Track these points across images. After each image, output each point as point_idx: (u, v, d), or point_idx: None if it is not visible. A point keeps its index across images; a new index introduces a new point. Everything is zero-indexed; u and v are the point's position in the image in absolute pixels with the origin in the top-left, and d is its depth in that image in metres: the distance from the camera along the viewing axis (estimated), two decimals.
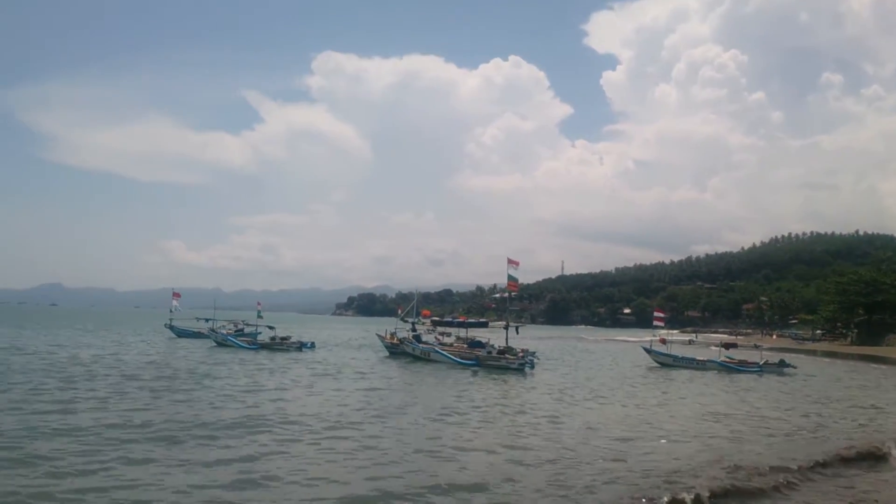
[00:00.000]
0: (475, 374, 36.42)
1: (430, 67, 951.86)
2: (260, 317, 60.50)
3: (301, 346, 50.28)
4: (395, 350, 47.07)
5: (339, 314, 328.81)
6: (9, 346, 43.85)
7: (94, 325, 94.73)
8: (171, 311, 65.88)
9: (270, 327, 57.22)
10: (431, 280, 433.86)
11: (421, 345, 45.06)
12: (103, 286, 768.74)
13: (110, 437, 15.37)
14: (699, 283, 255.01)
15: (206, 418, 18.30)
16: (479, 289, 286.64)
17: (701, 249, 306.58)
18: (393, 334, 49.04)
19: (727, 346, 52.80)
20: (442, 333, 48.78)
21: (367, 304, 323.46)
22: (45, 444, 14.46)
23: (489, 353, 41.19)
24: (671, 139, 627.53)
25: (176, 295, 66.21)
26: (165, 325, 67.53)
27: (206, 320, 61.15)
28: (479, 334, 48.25)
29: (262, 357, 42.50)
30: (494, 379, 33.72)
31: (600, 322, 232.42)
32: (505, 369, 38.10)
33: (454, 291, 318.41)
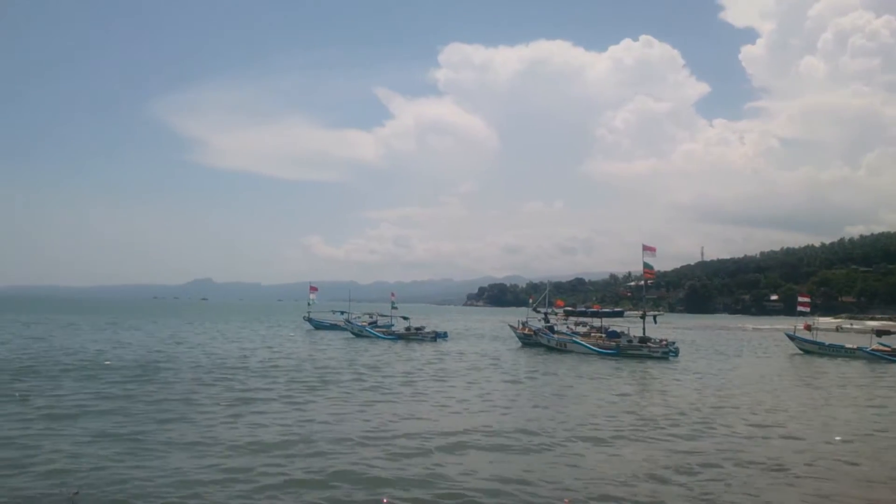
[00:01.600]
0: (618, 362, 35.21)
1: (557, 52, 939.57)
2: (394, 308, 61.22)
3: (436, 337, 50.41)
4: (528, 340, 46.12)
5: (471, 305, 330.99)
6: (201, 343, 46.62)
7: (245, 318, 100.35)
8: (308, 304, 68.10)
9: (404, 318, 57.77)
10: (563, 269, 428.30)
11: (556, 335, 43.92)
12: (249, 281, 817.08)
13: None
14: (854, 267, 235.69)
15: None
16: (613, 277, 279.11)
17: (855, 231, 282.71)
18: (525, 325, 48.11)
19: (880, 332, 47.88)
20: (576, 323, 47.40)
21: (497, 295, 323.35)
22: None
23: (629, 342, 39.54)
24: (819, 114, 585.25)
25: (313, 289, 68.28)
26: (304, 317, 70.00)
27: (342, 313, 62.72)
28: (615, 324, 46.50)
29: (403, 347, 43.00)
30: (637, 368, 32.14)
31: (744, 310, 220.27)
32: (647, 358, 36.54)
33: (586, 280, 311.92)
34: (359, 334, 53.76)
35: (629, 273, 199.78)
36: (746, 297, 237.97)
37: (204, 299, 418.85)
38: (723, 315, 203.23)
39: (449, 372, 29.76)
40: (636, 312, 49.41)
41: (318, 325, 66.44)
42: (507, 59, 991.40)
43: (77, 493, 10.13)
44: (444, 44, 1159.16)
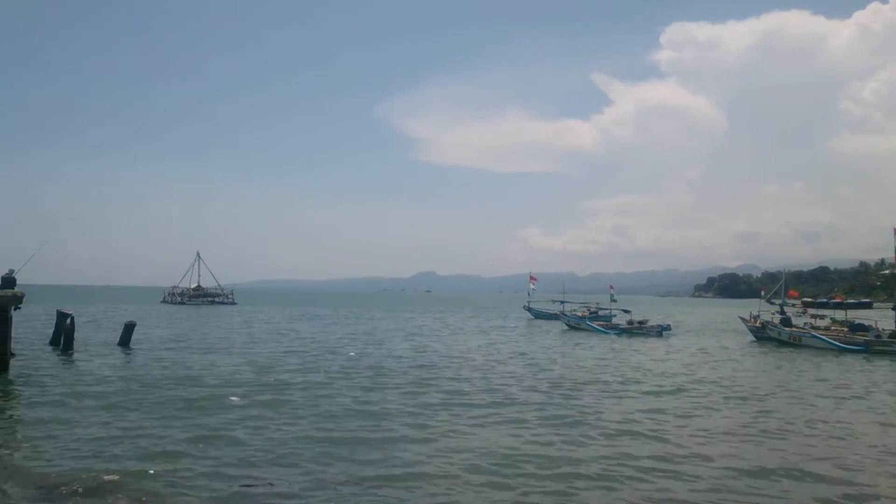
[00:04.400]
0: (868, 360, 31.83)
1: (793, 23, 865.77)
2: (614, 300, 60.32)
3: (661, 331, 48.93)
4: (761, 334, 43.39)
5: (699, 296, 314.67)
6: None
7: (473, 309, 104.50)
8: (528, 294, 69.53)
9: (625, 311, 56.66)
10: (804, 257, 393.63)
11: (788, 328, 40.86)
12: (471, 273, 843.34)
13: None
14: None
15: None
16: (864, 265, 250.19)
17: None
18: (757, 317, 45.30)
19: None
20: (814, 316, 43.74)
21: (729, 285, 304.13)
22: None
23: (877, 336, 35.64)
24: None
25: (532, 279, 69.54)
26: (524, 307, 71.69)
27: (561, 303, 63.15)
28: (861, 317, 42.20)
29: (632, 342, 42.28)
30: None
31: None
32: None
33: (831, 269, 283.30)
34: (575, 326, 53.69)
35: (882, 260, 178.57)
36: None
37: (428, 291, 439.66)
38: None
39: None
40: (888, 304, 44.50)
41: (538, 315, 67.62)
42: (736, 35, 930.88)
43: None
44: (666, 24, 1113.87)
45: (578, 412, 17.23)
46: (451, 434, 14.50)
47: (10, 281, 24.24)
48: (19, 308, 24.19)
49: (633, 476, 11.55)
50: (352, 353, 30.66)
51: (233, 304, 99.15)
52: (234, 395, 18.69)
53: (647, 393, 20.82)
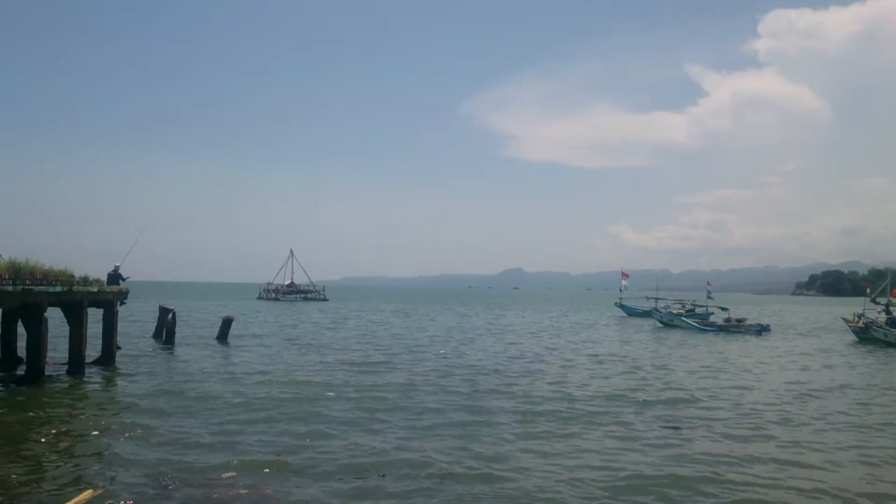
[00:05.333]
0: None
1: None
2: (710, 297, 58.16)
3: (759, 330, 46.78)
4: (864, 335, 40.70)
5: (800, 294, 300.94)
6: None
7: (564, 306, 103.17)
8: (620, 290, 67.88)
9: (723, 308, 54.52)
10: None
11: (894, 329, 38.12)
12: (558, 270, 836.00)
13: None
14: None
15: None
16: None
17: None
18: (860, 317, 42.52)
19: None
20: None
21: (832, 283, 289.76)
22: None
23: None
24: None
25: (624, 275, 67.80)
26: (616, 303, 70.10)
27: (655, 300, 61.37)
28: None
29: (725, 340, 40.59)
30: None
31: None
32: None
33: None
34: (668, 323, 51.94)
35: None
36: None
37: (515, 288, 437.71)
38: None
39: None
40: None
41: (631, 312, 65.85)
42: (840, 21, 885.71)
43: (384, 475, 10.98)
44: (765, 12, 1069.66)
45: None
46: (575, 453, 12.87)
47: (115, 277, 25.26)
48: (124, 303, 25.18)
49: None
50: (442, 351, 30.41)
51: (324, 300, 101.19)
52: (330, 391, 18.75)
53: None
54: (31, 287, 17.59)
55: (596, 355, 30.18)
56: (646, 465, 11.90)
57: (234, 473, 10.81)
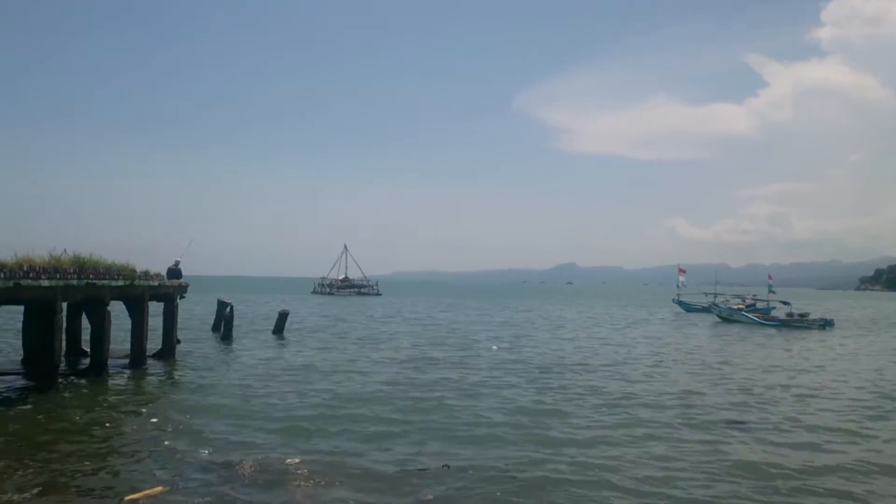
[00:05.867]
0: None
1: None
2: (772, 291, 56.52)
3: (824, 325, 45.32)
4: None
5: (865, 289, 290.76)
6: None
7: (618, 301, 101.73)
8: (677, 286, 66.45)
9: (785, 303, 53.01)
10: None
11: None
12: (612, 264, 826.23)
13: None
14: None
15: None
16: None
17: None
18: None
19: None
20: None
21: None
22: None
23: None
24: None
25: (682, 271, 66.30)
26: (673, 300, 68.59)
27: (715, 296, 59.93)
28: None
29: (788, 336, 39.31)
30: None
31: None
32: None
33: None
34: (727, 318, 50.59)
35: None
36: None
37: (569, 283, 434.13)
38: None
39: None
40: None
41: (689, 308, 64.25)
42: None
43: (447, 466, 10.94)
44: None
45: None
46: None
47: (176, 272, 25.79)
48: (184, 297, 25.70)
49: None
50: (494, 347, 29.89)
51: (378, 294, 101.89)
52: (389, 386, 18.71)
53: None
54: (94, 281, 18.03)
55: (658, 353, 29.33)
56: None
57: (299, 460, 10.90)
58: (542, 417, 14.94)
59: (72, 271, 16.96)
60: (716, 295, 59.68)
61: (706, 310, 58.40)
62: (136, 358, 20.73)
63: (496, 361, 24.74)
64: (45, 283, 15.60)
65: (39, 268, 15.49)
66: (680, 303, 66.31)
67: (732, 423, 14.78)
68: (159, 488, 9.48)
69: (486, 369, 22.53)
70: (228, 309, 31.64)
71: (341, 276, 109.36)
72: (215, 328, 33.02)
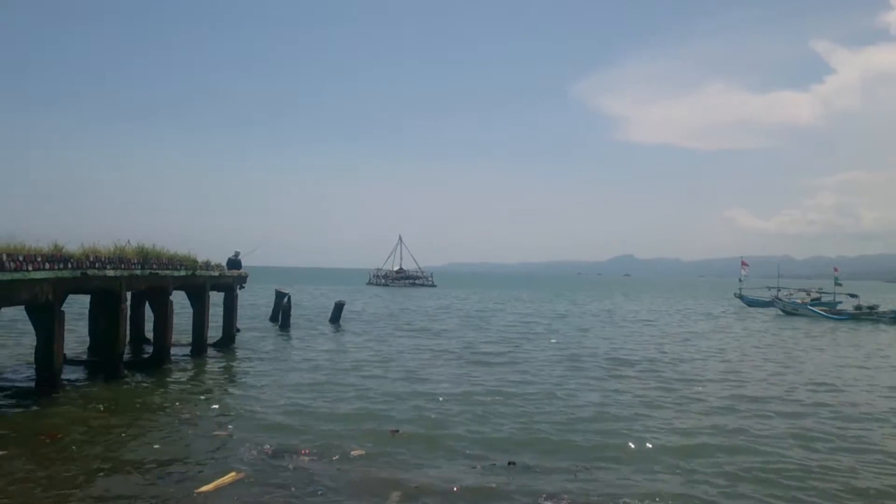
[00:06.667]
0: None
1: None
2: (838, 284, 54.48)
3: (894, 317, 43.60)
4: None
5: None
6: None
7: (678, 294, 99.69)
8: (739, 280, 64.72)
9: (852, 295, 51.02)
10: None
11: None
12: (670, 256, 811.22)
13: None
14: None
15: None
16: None
17: None
18: None
19: None
20: None
21: None
22: None
23: None
24: None
25: (744, 264, 64.47)
26: (735, 294, 66.79)
27: (777, 289, 58.12)
28: None
29: (860, 328, 37.87)
30: None
31: None
32: None
33: None
34: (791, 312, 49.00)
35: None
36: None
37: (626, 275, 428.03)
38: None
39: None
40: None
41: (752, 303, 62.26)
42: None
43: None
44: None
45: None
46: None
47: (236, 263, 26.28)
48: (243, 287, 26.18)
49: None
50: (553, 341, 29.39)
51: (432, 286, 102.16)
52: (447, 380, 18.49)
53: None
54: (157, 271, 18.46)
55: (723, 350, 28.21)
56: None
57: (363, 452, 10.88)
58: (625, 422, 14.00)
59: (136, 261, 17.37)
60: (779, 289, 57.79)
61: (769, 304, 56.45)
62: (198, 347, 21.17)
63: (564, 354, 24.22)
64: (111, 272, 16.00)
65: (105, 258, 15.89)
66: (742, 297, 64.43)
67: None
68: (232, 474, 9.54)
69: (550, 362, 22.14)
70: (286, 299, 32.12)
71: (396, 268, 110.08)
72: (273, 318, 33.56)
